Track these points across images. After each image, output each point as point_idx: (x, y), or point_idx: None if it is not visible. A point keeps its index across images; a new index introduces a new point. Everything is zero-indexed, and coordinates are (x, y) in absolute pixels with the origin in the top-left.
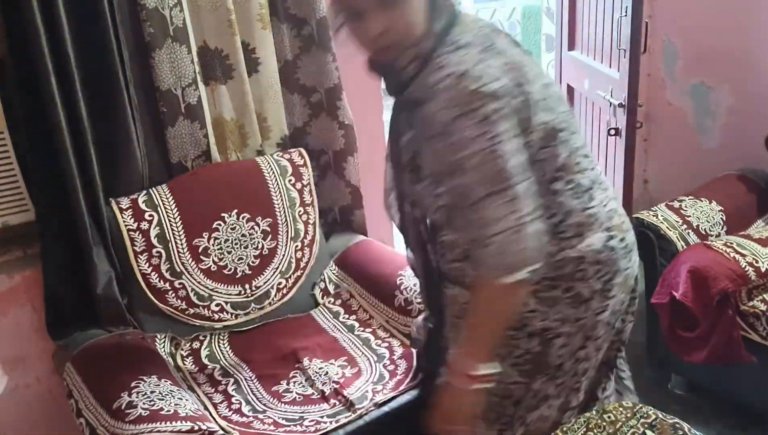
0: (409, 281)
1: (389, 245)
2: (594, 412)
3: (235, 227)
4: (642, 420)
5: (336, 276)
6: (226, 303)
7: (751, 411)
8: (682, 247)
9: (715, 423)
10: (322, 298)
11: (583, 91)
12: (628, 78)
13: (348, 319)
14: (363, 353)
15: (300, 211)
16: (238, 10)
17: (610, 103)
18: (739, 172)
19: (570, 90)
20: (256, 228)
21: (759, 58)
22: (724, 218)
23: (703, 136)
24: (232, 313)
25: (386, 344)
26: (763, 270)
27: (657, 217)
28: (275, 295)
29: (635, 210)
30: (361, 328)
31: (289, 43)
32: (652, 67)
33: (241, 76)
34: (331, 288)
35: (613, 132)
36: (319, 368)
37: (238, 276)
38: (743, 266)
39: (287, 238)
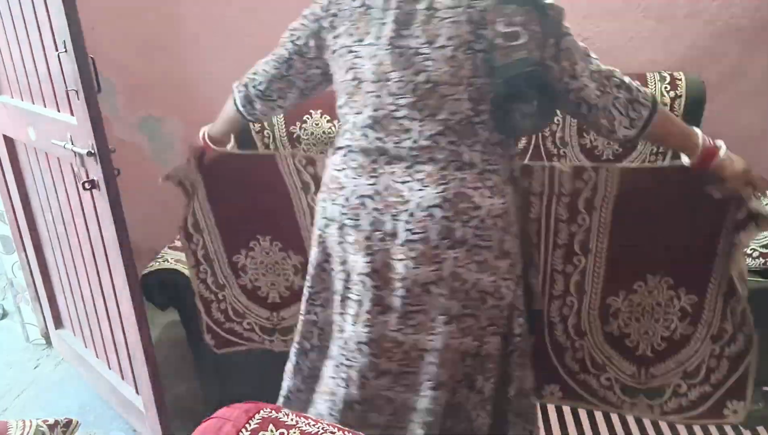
0: None
1: None
2: None
3: None
4: None
5: None
6: None
7: None
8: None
9: None
10: None
11: (29, 143)
12: (90, 122)
13: None
14: None
15: None
16: None
17: (76, 153)
18: None
19: (10, 142)
20: None
21: (199, 88)
22: None
23: (167, 169)
24: None
25: None
26: None
27: (171, 263)
28: None
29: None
30: None
31: None
32: None
33: None
34: None
35: (89, 185)
36: None
37: None
38: None
39: None
